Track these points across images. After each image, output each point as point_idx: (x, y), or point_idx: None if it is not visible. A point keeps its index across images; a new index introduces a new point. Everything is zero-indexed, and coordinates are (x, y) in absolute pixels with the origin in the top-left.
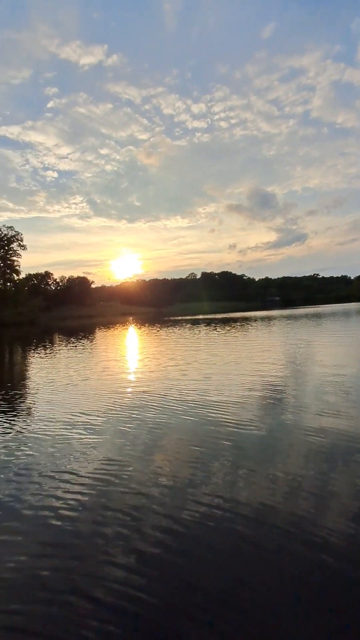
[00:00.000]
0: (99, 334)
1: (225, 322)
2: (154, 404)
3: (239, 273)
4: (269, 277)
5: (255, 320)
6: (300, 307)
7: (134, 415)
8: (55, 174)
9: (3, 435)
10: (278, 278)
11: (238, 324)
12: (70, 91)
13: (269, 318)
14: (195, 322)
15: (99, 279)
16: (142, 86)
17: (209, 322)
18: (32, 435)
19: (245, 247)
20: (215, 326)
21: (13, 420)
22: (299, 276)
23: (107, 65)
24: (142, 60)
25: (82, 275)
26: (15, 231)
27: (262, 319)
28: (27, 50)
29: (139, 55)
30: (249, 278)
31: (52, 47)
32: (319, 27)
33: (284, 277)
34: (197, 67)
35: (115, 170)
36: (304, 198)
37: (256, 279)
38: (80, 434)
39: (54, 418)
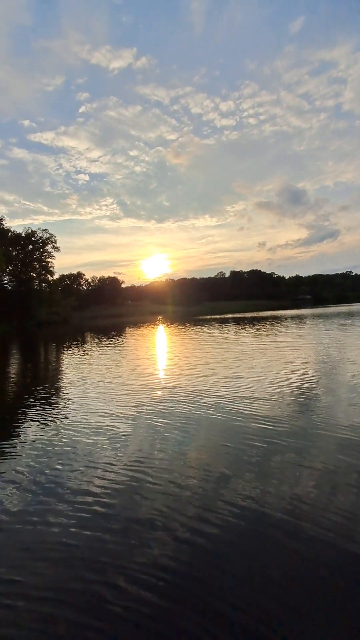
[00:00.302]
0: (129, 332)
1: (255, 321)
2: (185, 401)
3: (268, 271)
4: (300, 275)
5: (286, 319)
6: (332, 305)
7: (166, 411)
8: (87, 177)
9: (43, 427)
10: (309, 276)
11: (268, 323)
12: (100, 95)
13: (300, 317)
14: (224, 322)
15: (129, 278)
16: (170, 87)
17: (238, 321)
18: (69, 428)
19: (275, 244)
20: (244, 325)
21: (52, 413)
22: (330, 274)
23: (136, 68)
24: (171, 61)
25: (112, 275)
26: (50, 233)
27: (293, 317)
28: (59, 58)
29: (167, 56)
30: (279, 276)
31: (83, 53)
32: (349, 19)
33: (315, 275)
34: (225, 65)
35: (144, 172)
36: (336, 193)
37: (286, 277)
38: (114, 428)
39: (89, 412)
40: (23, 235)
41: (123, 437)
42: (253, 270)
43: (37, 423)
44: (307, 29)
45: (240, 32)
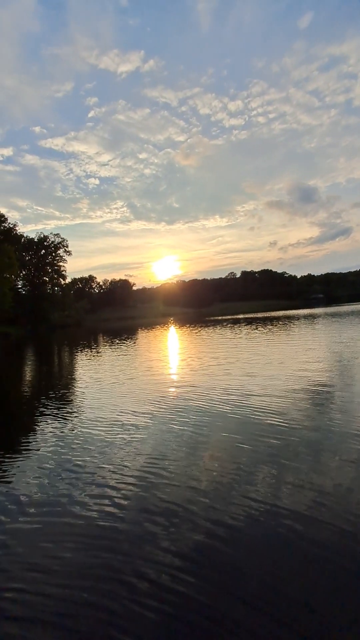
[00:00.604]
0: (141, 334)
1: (267, 321)
2: (199, 402)
3: (280, 271)
4: (312, 274)
5: (298, 319)
6: (346, 304)
7: (179, 412)
8: (97, 181)
9: (59, 428)
10: (321, 275)
11: (280, 322)
12: (109, 99)
13: (313, 316)
14: (236, 322)
15: (140, 281)
16: (178, 88)
17: (250, 322)
18: (87, 427)
19: (286, 244)
20: (256, 325)
21: (67, 414)
22: (344, 272)
23: (144, 71)
24: (178, 62)
25: (123, 277)
26: (61, 238)
27: (306, 317)
28: (68, 64)
29: (174, 58)
30: (290, 275)
31: (91, 59)
32: (358, 12)
33: (327, 274)
34: (233, 64)
35: (154, 174)
36: (349, 190)
37: (298, 277)
38: (130, 426)
39: (104, 413)
40: (36, 240)
41: (139, 436)
42: (264, 270)
43: (55, 422)
44: (316, 25)
45: (248, 31)
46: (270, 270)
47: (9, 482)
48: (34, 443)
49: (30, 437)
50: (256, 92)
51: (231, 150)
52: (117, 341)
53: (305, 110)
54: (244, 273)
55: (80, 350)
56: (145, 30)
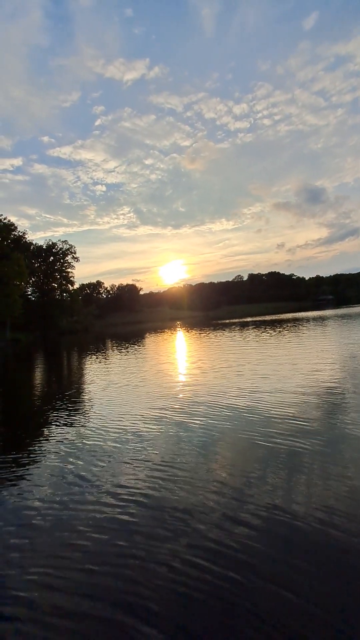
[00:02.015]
0: (150, 339)
1: (275, 323)
2: (211, 404)
3: (288, 273)
4: (321, 275)
5: (307, 321)
6: (356, 305)
7: (192, 412)
8: (104, 188)
9: (72, 430)
10: (330, 276)
11: (289, 325)
12: (115, 107)
13: (322, 318)
14: (244, 325)
15: (147, 285)
16: (183, 94)
17: (258, 325)
18: (97, 431)
19: (294, 245)
20: (265, 328)
21: (79, 416)
22: (353, 272)
23: (149, 78)
24: (183, 68)
25: (131, 282)
26: (69, 244)
27: (315, 319)
28: (75, 74)
29: (179, 64)
30: (298, 277)
31: (97, 68)
32: None
33: (337, 275)
34: (238, 68)
35: (159, 179)
36: (357, 189)
37: (306, 278)
38: (140, 429)
39: (117, 414)
40: (44, 247)
41: (150, 436)
42: (272, 272)
43: (67, 424)
44: (321, 24)
45: (252, 33)
46: (278, 272)
47: (26, 481)
48: (47, 443)
49: (44, 438)
50: (261, 94)
51: (237, 153)
52: (126, 346)
53: (311, 110)
54: (251, 276)
55: (90, 355)
56: (150, 38)
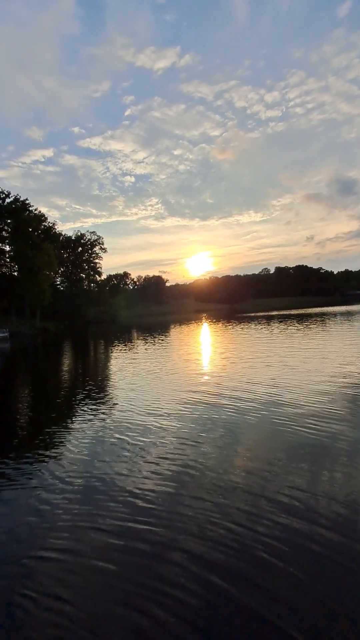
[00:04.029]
0: (175, 330)
1: (302, 318)
2: (239, 395)
3: (316, 266)
4: (350, 269)
5: (335, 316)
6: None
7: (218, 404)
8: (133, 179)
9: (98, 416)
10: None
11: (316, 319)
12: (145, 97)
13: (350, 313)
14: (270, 319)
15: (173, 277)
16: (214, 82)
17: (284, 318)
18: (122, 418)
19: (324, 238)
20: (292, 322)
21: (105, 404)
22: None
23: (179, 67)
24: (214, 56)
25: (157, 274)
26: (97, 235)
27: (342, 314)
28: (106, 64)
29: (211, 52)
30: (326, 271)
31: (128, 57)
32: None
33: None
34: (270, 55)
35: (188, 170)
36: None
37: (335, 272)
38: (165, 419)
39: (142, 403)
40: (73, 238)
41: (175, 426)
42: (299, 265)
43: (94, 412)
44: (355, 11)
45: (286, 20)
46: (306, 265)
47: (45, 469)
48: (68, 432)
49: (72, 421)
50: (294, 82)
51: (267, 143)
52: (153, 337)
53: (345, 99)
54: (278, 269)
55: (117, 345)
56: (181, 26)
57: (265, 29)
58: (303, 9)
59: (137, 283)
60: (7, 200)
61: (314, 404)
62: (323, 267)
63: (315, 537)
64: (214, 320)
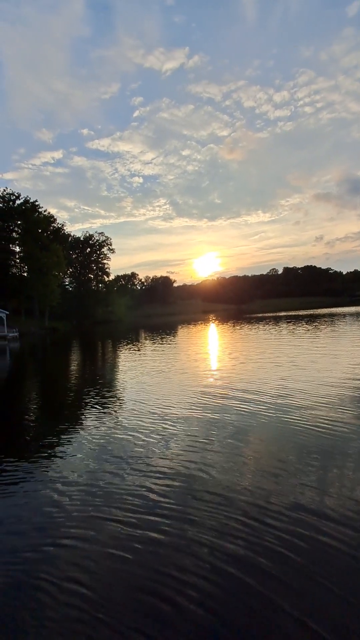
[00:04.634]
0: (182, 330)
1: (311, 318)
2: (250, 394)
3: (325, 266)
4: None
5: (344, 317)
6: None
7: (229, 403)
8: (141, 180)
9: (105, 415)
10: None
11: (325, 320)
12: (153, 98)
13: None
14: (278, 319)
15: (181, 277)
16: (222, 82)
17: (292, 319)
18: (129, 419)
19: (333, 238)
20: (300, 323)
21: (112, 403)
22: None
23: (188, 67)
24: (223, 56)
25: (165, 274)
26: (105, 236)
27: (351, 315)
28: (115, 65)
29: (219, 52)
30: (335, 271)
31: (137, 58)
32: None
33: None
34: (279, 55)
35: (196, 170)
36: None
37: (344, 273)
38: (172, 419)
39: (149, 403)
40: (82, 239)
41: (183, 427)
42: (307, 266)
43: (101, 409)
44: None
45: (295, 20)
46: (314, 266)
47: (61, 463)
48: (78, 432)
49: (78, 423)
50: (303, 81)
51: (276, 143)
52: (161, 337)
53: (354, 98)
54: (286, 269)
55: (124, 345)
56: (190, 27)
57: (274, 29)
58: (312, 8)
59: (145, 283)
60: (17, 202)
61: (325, 404)
62: (332, 268)
63: (325, 530)
64: (222, 320)
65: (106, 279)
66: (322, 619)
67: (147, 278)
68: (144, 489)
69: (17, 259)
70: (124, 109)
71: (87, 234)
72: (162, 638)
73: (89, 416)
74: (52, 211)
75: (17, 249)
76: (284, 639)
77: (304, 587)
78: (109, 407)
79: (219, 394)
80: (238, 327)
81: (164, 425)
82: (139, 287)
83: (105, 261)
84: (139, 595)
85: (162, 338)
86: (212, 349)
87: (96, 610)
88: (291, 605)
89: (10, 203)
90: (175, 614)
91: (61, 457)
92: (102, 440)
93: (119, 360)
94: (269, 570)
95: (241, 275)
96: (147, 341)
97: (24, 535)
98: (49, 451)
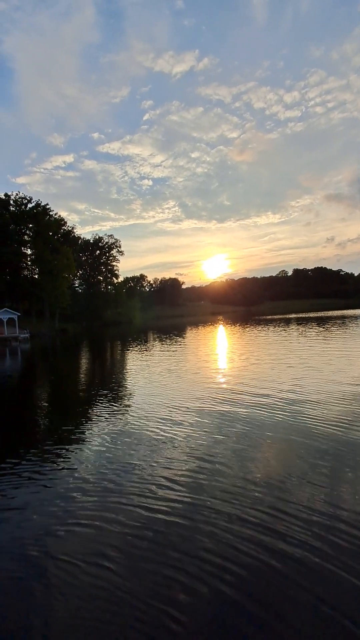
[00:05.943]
0: (191, 332)
1: (321, 320)
2: (263, 394)
3: (336, 268)
4: None
5: (356, 319)
6: None
7: (242, 403)
8: (150, 182)
9: (114, 417)
10: None
11: (337, 322)
12: (163, 101)
13: None
14: (288, 321)
15: (190, 279)
16: (232, 84)
17: (302, 321)
18: (137, 420)
19: (345, 239)
20: (311, 324)
21: (121, 404)
22: None
23: (197, 70)
24: (233, 58)
25: (174, 276)
26: (115, 239)
27: None
28: (125, 70)
29: (229, 54)
30: (346, 273)
31: (147, 62)
32: None
33: None
34: (290, 55)
35: (205, 172)
36: None
37: (355, 274)
38: (180, 420)
39: (157, 404)
40: (91, 241)
41: (191, 429)
42: (318, 267)
43: (110, 411)
44: None
45: (306, 19)
46: (325, 267)
47: (70, 463)
48: (93, 426)
49: (90, 421)
50: (314, 81)
51: (287, 144)
52: (170, 338)
53: None
54: (296, 271)
55: (133, 346)
56: (200, 29)
57: (285, 29)
58: (323, 7)
59: (154, 285)
60: (29, 205)
61: (338, 405)
62: (343, 269)
63: (336, 528)
64: (231, 322)
65: (115, 281)
66: (337, 604)
67: (155, 280)
68: (157, 484)
69: (29, 261)
70: (134, 112)
71: (97, 237)
72: (179, 608)
73: (103, 414)
74: (63, 214)
75: (29, 251)
76: (301, 623)
77: (323, 572)
78: (121, 405)
79: (232, 393)
80: (247, 329)
81: (177, 422)
82: (148, 289)
83: (114, 263)
84: (156, 578)
85: (171, 339)
86: (222, 350)
87: (114, 588)
88: (307, 592)
89: (22, 207)
90: (192, 598)
91: (74, 452)
92: (115, 437)
93: (130, 361)
94: (286, 554)
95: (250, 277)
96: (157, 342)
97: (40, 521)
98: (64, 446)
